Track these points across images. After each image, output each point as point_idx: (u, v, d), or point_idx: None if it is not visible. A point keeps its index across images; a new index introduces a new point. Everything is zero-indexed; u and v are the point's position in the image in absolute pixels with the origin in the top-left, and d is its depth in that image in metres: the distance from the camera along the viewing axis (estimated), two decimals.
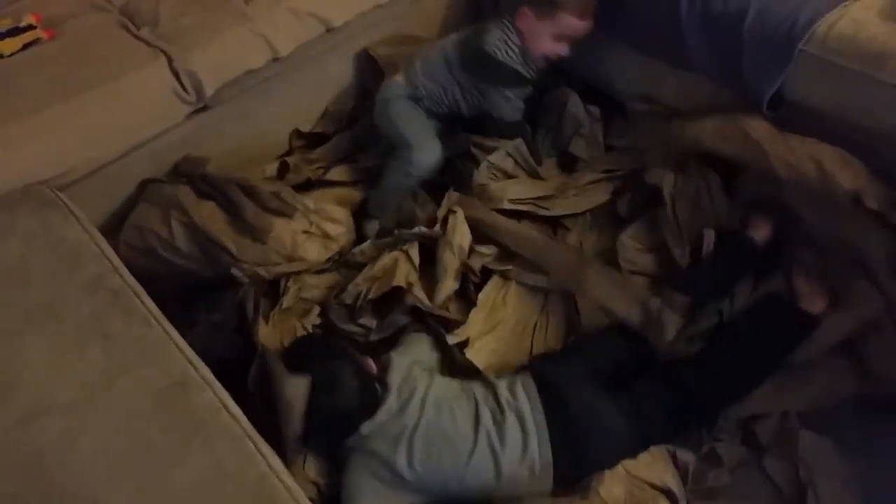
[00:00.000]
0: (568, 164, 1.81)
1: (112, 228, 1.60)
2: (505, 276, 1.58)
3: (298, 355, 1.38)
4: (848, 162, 1.40)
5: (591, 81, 1.88)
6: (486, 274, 1.59)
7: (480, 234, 1.61)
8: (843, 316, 1.42)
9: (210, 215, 1.56)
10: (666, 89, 1.74)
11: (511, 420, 1.29)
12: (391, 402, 1.31)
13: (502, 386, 1.35)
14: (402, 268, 1.54)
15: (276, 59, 1.70)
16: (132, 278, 1.34)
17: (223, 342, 1.51)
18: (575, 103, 1.80)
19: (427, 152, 1.66)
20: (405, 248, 1.57)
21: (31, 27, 1.71)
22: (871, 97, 1.37)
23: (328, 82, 1.93)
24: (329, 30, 1.76)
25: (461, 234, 1.57)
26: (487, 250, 1.59)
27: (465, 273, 1.57)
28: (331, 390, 1.29)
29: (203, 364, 1.18)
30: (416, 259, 1.56)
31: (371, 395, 1.32)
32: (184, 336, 1.22)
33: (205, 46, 1.62)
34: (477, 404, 1.32)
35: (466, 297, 1.56)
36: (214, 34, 1.63)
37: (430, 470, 1.26)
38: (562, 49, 1.63)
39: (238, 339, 1.52)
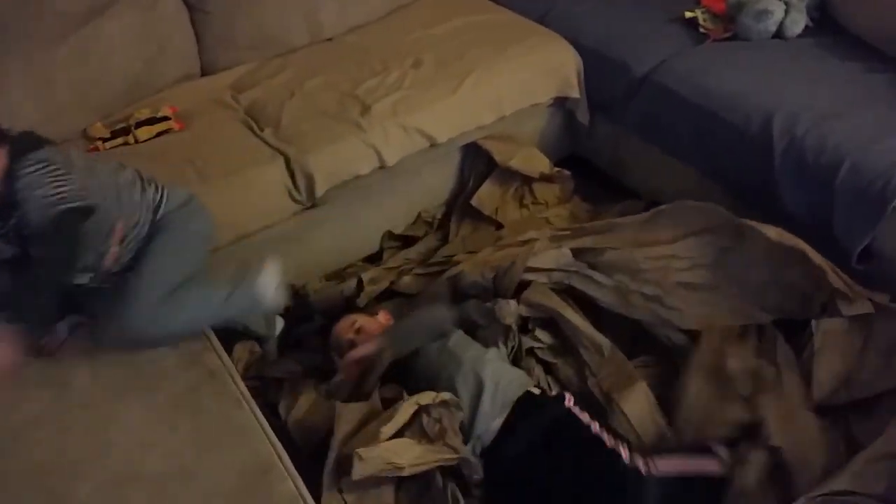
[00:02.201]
0: None
1: None
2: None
3: None
4: None
5: None
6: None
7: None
8: None
9: None
10: None
11: None
12: None
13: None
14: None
15: (381, 168, 1.82)
16: (228, 358, 1.43)
17: None
18: None
19: None
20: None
21: (165, 118, 1.88)
22: None
23: (423, 191, 2.04)
24: (433, 145, 1.88)
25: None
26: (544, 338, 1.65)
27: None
28: None
29: (285, 453, 1.23)
30: None
31: None
32: None
33: (321, 152, 1.75)
34: None
35: None
36: (331, 141, 1.77)
37: None
38: None
39: None
